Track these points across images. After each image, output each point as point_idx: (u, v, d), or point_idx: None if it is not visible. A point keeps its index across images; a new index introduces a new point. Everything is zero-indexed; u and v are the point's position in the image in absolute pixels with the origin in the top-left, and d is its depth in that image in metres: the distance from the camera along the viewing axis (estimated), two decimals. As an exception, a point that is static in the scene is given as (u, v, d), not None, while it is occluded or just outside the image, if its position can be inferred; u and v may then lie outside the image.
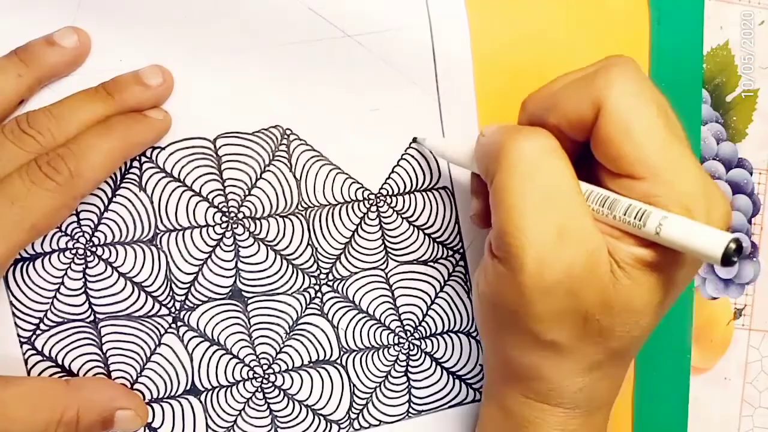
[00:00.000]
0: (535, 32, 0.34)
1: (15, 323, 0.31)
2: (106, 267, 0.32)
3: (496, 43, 0.34)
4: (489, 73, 0.34)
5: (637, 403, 0.37)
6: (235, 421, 0.33)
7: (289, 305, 0.33)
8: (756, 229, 0.38)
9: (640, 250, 0.24)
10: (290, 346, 0.33)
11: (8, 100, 0.29)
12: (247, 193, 0.32)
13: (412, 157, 0.34)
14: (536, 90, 0.27)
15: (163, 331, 0.32)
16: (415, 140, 0.33)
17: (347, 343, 0.34)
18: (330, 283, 0.33)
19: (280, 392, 0.33)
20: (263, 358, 0.33)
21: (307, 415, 0.34)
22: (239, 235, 0.32)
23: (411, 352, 0.34)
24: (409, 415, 0.34)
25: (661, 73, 0.35)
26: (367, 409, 0.34)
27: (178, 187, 0.32)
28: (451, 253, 0.34)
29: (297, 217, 0.33)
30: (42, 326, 0.31)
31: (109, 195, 0.31)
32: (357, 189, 0.33)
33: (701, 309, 0.37)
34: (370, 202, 0.33)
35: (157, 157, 0.32)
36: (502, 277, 0.25)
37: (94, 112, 0.29)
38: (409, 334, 0.34)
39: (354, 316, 0.34)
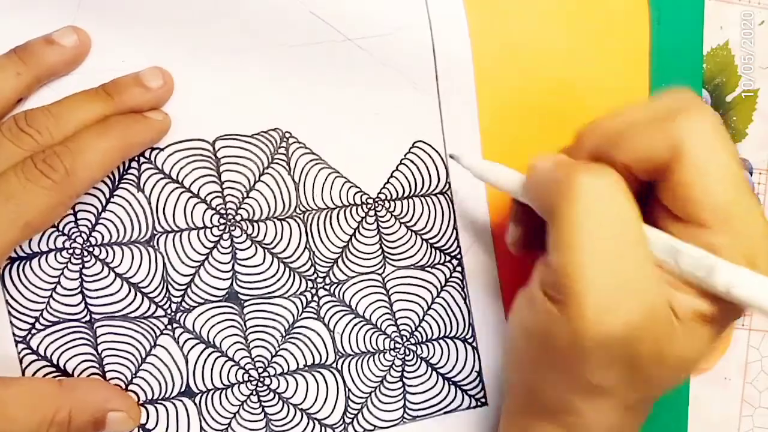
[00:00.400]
0: (535, 32, 0.34)
1: (11, 322, 0.31)
2: (103, 267, 0.32)
3: (496, 43, 0.34)
4: (489, 74, 0.34)
5: None
6: (229, 423, 0.33)
7: (286, 308, 0.33)
8: None
9: (701, 303, 0.23)
10: (286, 349, 0.33)
11: (6, 99, 0.29)
12: (245, 195, 0.32)
13: (411, 161, 0.33)
14: (595, 122, 0.26)
15: (158, 333, 0.32)
16: (451, 157, 0.32)
17: (343, 347, 0.34)
18: (327, 287, 0.33)
19: (275, 395, 0.33)
20: (258, 361, 0.33)
21: (301, 419, 0.33)
22: (236, 237, 0.32)
23: (407, 358, 0.34)
24: (404, 420, 0.34)
25: (661, 73, 0.35)
26: (362, 413, 0.34)
27: (177, 188, 0.32)
28: (448, 258, 0.34)
29: (295, 220, 0.33)
30: (38, 325, 0.31)
31: (107, 195, 0.31)
32: (356, 193, 0.33)
33: None
34: (369, 206, 0.33)
35: (155, 158, 0.31)
36: (554, 318, 0.24)
37: (93, 112, 0.29)
38: (405, 339, 0.34)
39: (350, 321, 0.34)
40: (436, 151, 0.34)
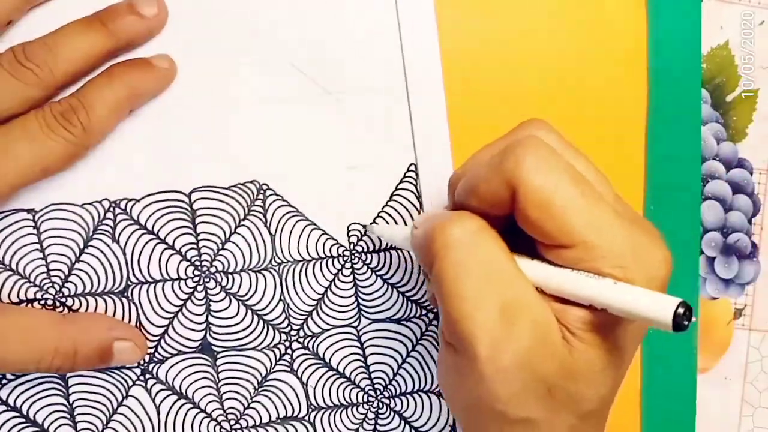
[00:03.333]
0: (533, 32, 0.34)
1: (-18, 372, 0.31)
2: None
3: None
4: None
5: (645, 403, 0.37)
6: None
7: (259, 361, 0.33)
8: (756, 229, 0.38)
9: (587, 313, 0.24)
10: (258, 401, 0.33)
11: None
12: (220, 247, 0.32)
13: (388, 214, 0.33)
14: (455, 173, 0.27)
15: (131, 383, 0.32)
16: (365, 228, 0.33)
17: (316, 400, 0.34)
18: (300, 340, 0.33)
19: (246, 447, 0.33)
20: (231, 413, 0.33)
21: (272, 472, 0.33)
22: (211, 289, 0.32)
23: (380, 411, 0.34)
24: (376, 473, 0.34)
25: (660, 73, 0.35)
26: (334, 467, 0.34)
27: (152, 239, 0.32)
28: (424, 311, 0.34)
29: (270, 272, 0.33)
30: (8, 376, 0.31)
31: (81, 246, 0.31)
32: (332, 245, 0.33)
33: (701, 309, 0.37)
34: (345, 258, 0.33)
35: (131, 209, 0.31)
36: (459, 367, 0.24)
37: (90, 45, 0.29)
38: (378, 392, 0.34)
39: (324, 374, 0.34)
40: (413, 204, 0.34)
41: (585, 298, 0.23)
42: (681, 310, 0.20)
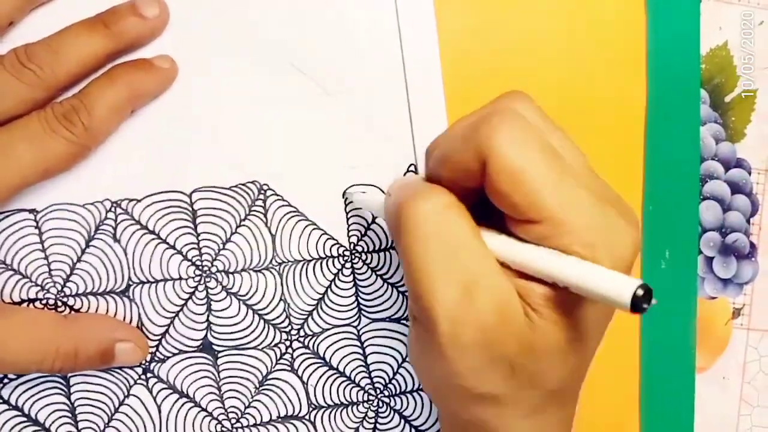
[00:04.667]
0: (532, 33, 0.34)
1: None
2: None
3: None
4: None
5: (644, 403, 0.37)
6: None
7: (260, 360, 0.33)
8: (755, 229, 0.38)
9: (550, 291, 0.24)
10: (259, 400, 0.33)
11: None
12: (221, 247, 0.32)
13: (389, 214, 0.34)
14: (438, 136, 0.27)
15: (132, 383, 0.32)
16: (344, 193, 0.33)
17: (316, 399, 0.34)
18: (301, 339, 0.33)
19: (247, 446, 0.33)
20: (232, 411, 0.33)
21: (273, 470, 0.34)
22: (212, 288, 0.33)
23: (380, 410, 0.34)
24: (376, 472, 0.34)
25: (659, 73, 0.35)
26: (334, 466, 0.34)
27: (153, 239, 0.32)
28: (424, 311, 0.34)
29: (271, 272, 0.33)
30: (10, 375, 0.31)
31: (83, 246, 0.31)
32: (332, 245, 0.33)
33: (700, 308, 0.37)
34: (345, 258, 0.33)
35: (132, 209, 0.32)
36: (422, 339, 0.25)
37: (92, 46, 0.29)
38: (378, 391, 0.34)
39: (324, 373, 0.34)
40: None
41: (547, 274, 0.23)
42: (641, 292, 0.20)
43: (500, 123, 0.23)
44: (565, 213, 0.23)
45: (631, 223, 0.24)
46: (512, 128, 0.23)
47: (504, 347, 0.23)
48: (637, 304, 0.20)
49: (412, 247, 0.24)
